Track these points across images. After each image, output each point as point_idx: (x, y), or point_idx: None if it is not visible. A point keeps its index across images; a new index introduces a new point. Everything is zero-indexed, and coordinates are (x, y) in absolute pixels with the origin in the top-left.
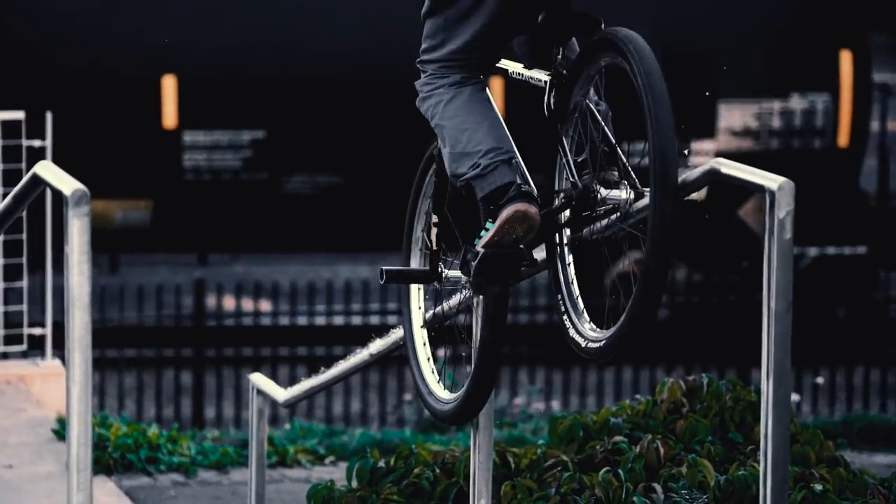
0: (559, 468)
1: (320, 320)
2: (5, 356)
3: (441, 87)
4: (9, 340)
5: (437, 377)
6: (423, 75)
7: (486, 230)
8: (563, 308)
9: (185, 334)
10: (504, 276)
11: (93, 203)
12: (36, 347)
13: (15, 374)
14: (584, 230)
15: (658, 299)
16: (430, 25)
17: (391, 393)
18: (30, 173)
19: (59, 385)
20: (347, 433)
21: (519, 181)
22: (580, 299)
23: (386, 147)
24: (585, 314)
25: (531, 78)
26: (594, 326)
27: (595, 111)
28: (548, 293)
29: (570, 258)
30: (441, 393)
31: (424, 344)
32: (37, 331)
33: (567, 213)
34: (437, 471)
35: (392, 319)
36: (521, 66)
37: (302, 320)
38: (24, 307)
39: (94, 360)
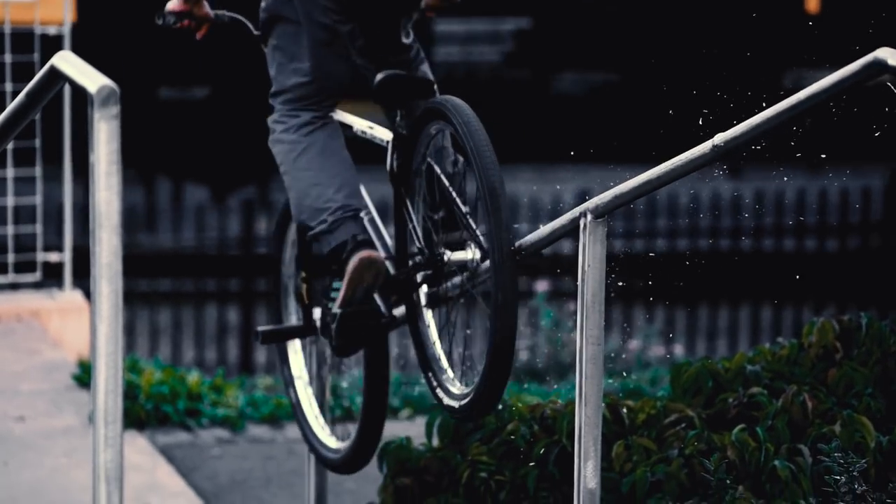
0: (683, 425)
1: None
2: (15, 287)
3: (291, 131)
4: (20, 268)
5: (328, 429)
6: (274, 112)
7: (337, 290)
8: (428, 374)
9: (232, 263)
10: (365, 335)
11: None
12: (52, 276)
13: (27, 309)
14: (439, 291)
15: (507, 358)
16: (269, 54)
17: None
18: (46, 66)
19: (82, 322)
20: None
21: (358, 233)
22: (444, 359)
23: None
24: (450, 372)
25: (374, 137)
26: (460, 385)
27: (440, 174)
28: (667, 215)
29: (430, 319)
30: (330, 442)
31: (310, 402)
32: (53, 256)
33: (420, 275)
34: (535, 427)
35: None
36: (367, 123)
37: None
38: (38, 228)
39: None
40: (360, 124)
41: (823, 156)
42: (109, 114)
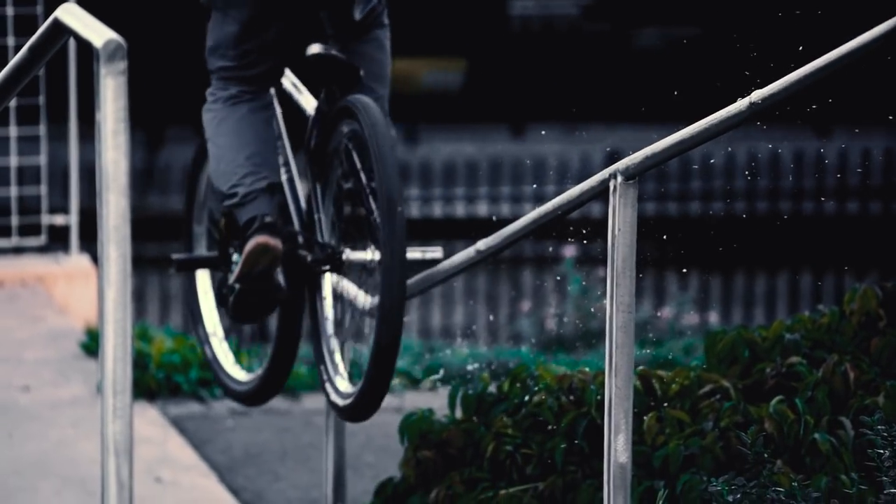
0: (718, 396)
1: (413, 210)
2: (19, 251)
3: (219, 102)
4: (24, 231)
5: (233, 358)
6: (210, 84)
7: (236, 264)
8: (321, 366)
9: None
10: (259, 312)
11: (396, 63)
12: (58, 240)
13: (32, 274)
14: (338, 285)
15: (390, 363)
16: (209, 27)
17: (504, 302)
18: (50, 19)
19: (89, 287)
20: (449, 351)
21: (267, 213)
22: (338, 353)
23: None
24: (341, 367)
25: (300, 102)
26: (347, 383)
27: (358, 168)
28: (702, 177)
29: (328, 311)
30: (237, 374)
31: (226, 356)
32: (59, 219)
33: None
34: (563, 399)
35: (509, 208)
36: (298, 86)
37: None
38: (43, 189)
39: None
40: (291, 82)
41: (861, 116)
42: (116, 69)
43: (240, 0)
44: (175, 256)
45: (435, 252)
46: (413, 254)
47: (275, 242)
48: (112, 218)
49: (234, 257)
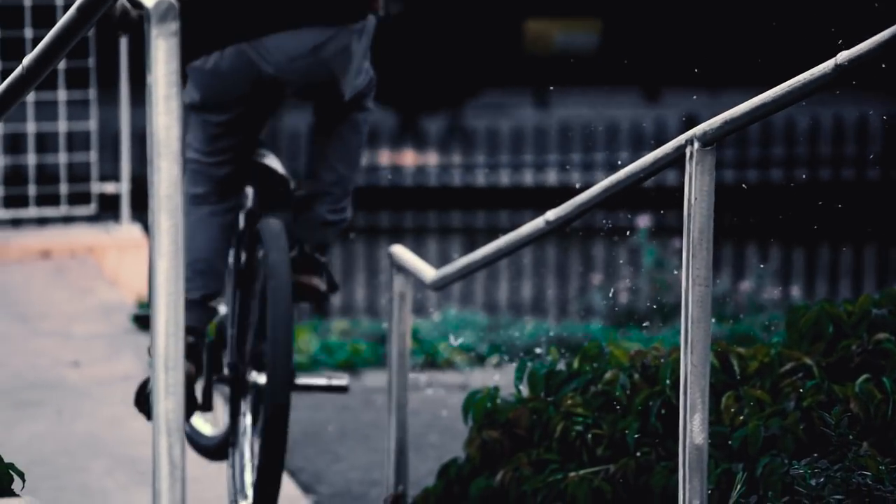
0: (800, 375)
1: (479, 178)
2: (69, 220)
3: (189, 198)
4: (74, 200)
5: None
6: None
7: None
8: (234, 457)
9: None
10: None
11: (530, 24)
12: (108, 209)
13: (82, 245)
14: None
15: (273, 484)
16: (189, 121)
17: (574, 274)
18: None
19: (140, 258)
20: (516, 326)
21: (192, 325)
22: (247, 453)
23: None
24: (248, 468)
25: (247, 197)
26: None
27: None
28: (785, 143)
29: (248, 411)
30: (204, 428)
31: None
32: (109, 187)
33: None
34: (636, 376)
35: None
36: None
37: (455, 178)
38: (93, 156)
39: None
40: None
41: None
42: (168, 30)
43: (223, 104)
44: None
45: (341, 380)
46: (318, 380)
47: (187, 367)
48: (164, 186)
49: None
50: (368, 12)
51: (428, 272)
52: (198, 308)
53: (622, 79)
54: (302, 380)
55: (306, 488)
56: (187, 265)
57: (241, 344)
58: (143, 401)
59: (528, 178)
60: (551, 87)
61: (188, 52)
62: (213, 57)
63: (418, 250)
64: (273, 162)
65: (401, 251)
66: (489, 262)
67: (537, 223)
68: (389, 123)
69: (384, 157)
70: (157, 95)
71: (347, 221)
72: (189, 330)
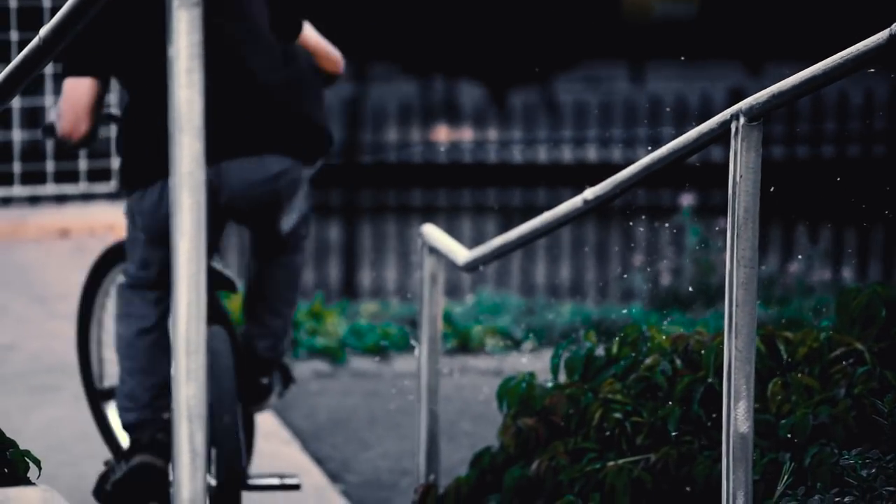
0: (851, 361)
1: (515, 154)
2: (88, 198)
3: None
4: (93, 176)
5: None
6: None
7: (120, 469)
8: None
9: (333, 172)
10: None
11: None
12: None
13: (101, 223)
14: None
15: None
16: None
17: (614, 255)
18: None
19: None
20: (553, 309)
21: (158, 425)
22: None
23: None
24: None
25: None
26: None
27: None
28: (836, 118)
29: None
30: None
31: None
32: None
33: None
34: (678, 362)
35: (616, 154)
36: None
37: (491, 155)
38: (114, 130)
39: None
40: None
41: None
42: (190, 0)
43: (152, 224)
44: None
45: (293, 479)
46: (270, 480)
47: (161, 465)
48: (185, 162)
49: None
50: (322, 157)
51: (460, 253)
52: (150, 403)
53: (723, 51)
54: (253, 480)
55: (334, 477)
56: (160, 386)
57: None
58: (99, 490)
59: (616, 154)
60: (648, 60)
61: (132, 179)
62: (156, 188)
63: (452, 230)
64: (218, 265)
65: (432, 231)
66: (524, 242)
67: (575, 202)
68: (475, 97)
69: (467, 134)
70: (179, 68)
71: (283, 356)
72: (149, 423)
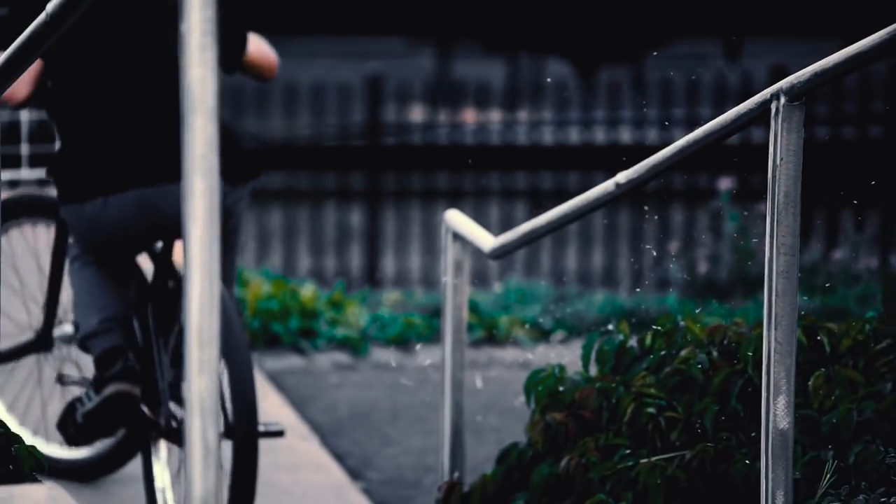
0: None
1: (546, 136)
2: None
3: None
4: None
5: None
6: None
7: (90, 400)
8: None
9: (355, 155)
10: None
11: None
12: None
13: None
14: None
15: None
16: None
17: (648, 242)
18: None
19: None
20: (584, 299)
21: (128, 353)
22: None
23: None
24: None
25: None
26: None
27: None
28: (885, 97)
29: (163, 472)
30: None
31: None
32: None
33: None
34: (715, 354)
35: (652, 135)
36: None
37: (521, 136)
38: None
39: None
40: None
41: None
42: None
43: (110, 244)
44: None
45: (275, 426)
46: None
47: (137, 393)
48: (198, 145)
49: (91, 394)
50: (261, 173)
51: (486, 240)
52: (116, 329)
53: (825, 27)
54: None
55: (354, 474)
56: (111, 318)
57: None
58: (65, 423)
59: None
60: (745, 35)
61: (69, 193)
62: (97, 201)
63: (479, 215)
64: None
65: (457, 216)
66: (553, 228)
67: (607, 186)
68: (562, 75)
69: (547, 115)
70: (192, 44)
71: None
72: (118, 351)
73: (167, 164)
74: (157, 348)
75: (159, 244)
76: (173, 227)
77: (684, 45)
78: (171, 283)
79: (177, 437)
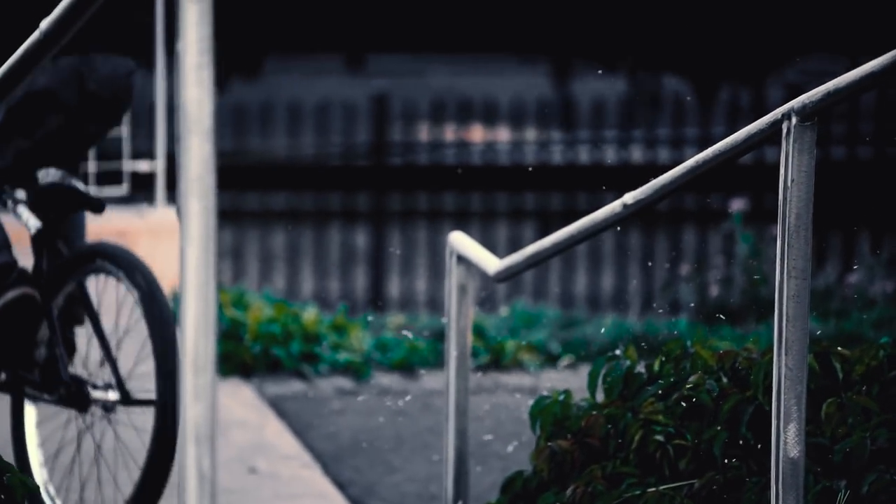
0: None
1: (555, 155)
2: None
3: None
4: (103, 180)
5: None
6: None
7: None
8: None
9: (360, 175)
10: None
11: None
12: (141, 190)
13: (111, 229)
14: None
15: (159, 485)
16: None
17: (659, 264)
18: None
19: (177, 245)
20: (592, 323)
21: (18, 265)
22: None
23: None
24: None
25: (20, 216)
26: None
27: (93, 305)
28: None
29: (37, 452)
30: None
31: None
32: (143, 166)
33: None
34: (725, 380)
35: (664, 153)
36: (23, 193)
37: (529, 155)
38: (125, 131)
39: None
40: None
41: None
42: None
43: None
44: None
45: (146, 395)
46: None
47: (36, 293)
48: (194, 166)
49: None
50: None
51: (491, 262)
52: (7, 249)
53: None
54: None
55: (357, 503)
56: None
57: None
58: None
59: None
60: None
61: None
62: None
63: (485, 236)
64: (80, 184)
65: (461, 238)
66: (559, 250)
67: (614, 207)
68: (680, 93)
69: (663, 132)
70: (187, 64)
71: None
72: (11, 266)
73: (95, 38)
74: (51, 311)
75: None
76: (92, 99)
77: (815, 60)
78: (62, 247)
79: (77, 402)
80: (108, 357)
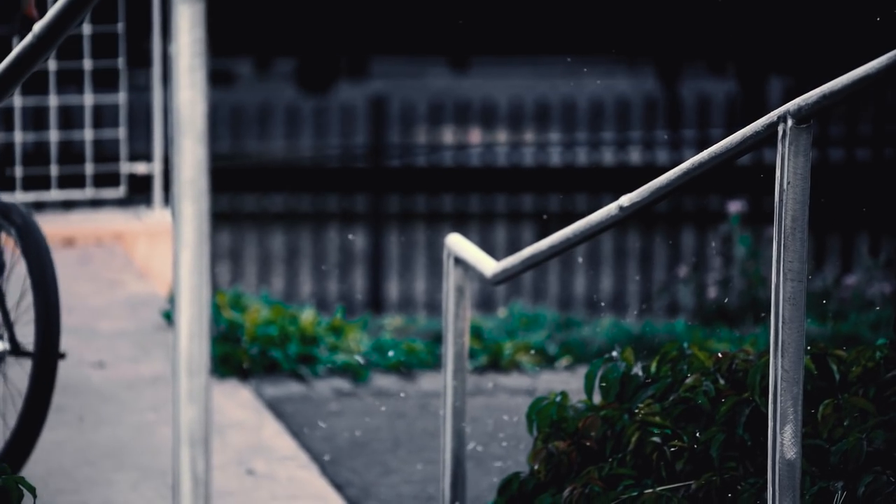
0: None
1: (554, 158)
2: (96, 204)
3: None
4: (100, 181)
5: None
6: None
7: None
8: None
9: (358, 178)
10: None
11: None
12: (139, 192)
13: (109, 231)
14: None
15: (28, 447)
16: None
17: (658, 266)
18: None
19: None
20: (590, 324)
21: None
22: None
23: None
24: None
25: None
26: None
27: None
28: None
29: None
30: None
31: None
32: (140, 168)
33: None
34: (721, 382)
35: (661, 156)
36: None
37: (527, 158)
38: (122, 133)
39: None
40: None
41: None
42: None
43: None
44: None
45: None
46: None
47: None
48: (187, 169)
49: None
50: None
51: (488, 264)
52: None
53: None
54: None
55: None
56: None
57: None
58: None
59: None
60: None
61: None
62: None
63: (484, 238)
64: None
65: (458, 241)
66: (556, 253)
67: (610, 209)
68: (723, 92)
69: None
70: (181, 66)
71: None
72: None
73: None
74: None
75: None
76: None
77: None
78: None
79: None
80: (1, 308)
